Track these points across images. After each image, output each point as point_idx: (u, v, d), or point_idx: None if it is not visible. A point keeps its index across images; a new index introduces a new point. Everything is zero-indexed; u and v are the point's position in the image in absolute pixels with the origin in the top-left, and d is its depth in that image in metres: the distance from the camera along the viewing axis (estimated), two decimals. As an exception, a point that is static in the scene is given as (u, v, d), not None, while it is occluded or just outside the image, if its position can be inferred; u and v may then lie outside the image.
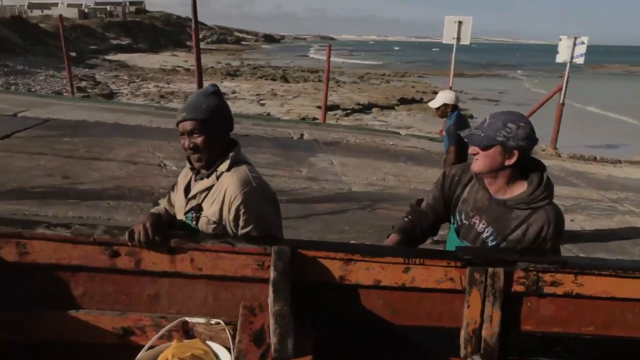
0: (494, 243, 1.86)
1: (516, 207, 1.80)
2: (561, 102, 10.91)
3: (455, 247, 1.87)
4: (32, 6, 66.96)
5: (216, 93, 1.89)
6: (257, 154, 7.48)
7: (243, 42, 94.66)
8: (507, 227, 1.82)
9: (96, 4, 72.45)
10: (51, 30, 42.38)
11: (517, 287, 1.76)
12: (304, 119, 16.21)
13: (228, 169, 1.84)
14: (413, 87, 29.35)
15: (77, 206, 4.81)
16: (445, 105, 4.56)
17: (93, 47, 46.67)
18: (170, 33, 71.40)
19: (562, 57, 10.65)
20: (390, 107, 21.50)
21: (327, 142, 8.96)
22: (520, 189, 1.82)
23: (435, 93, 23.34)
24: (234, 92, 22.15)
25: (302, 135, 9.30)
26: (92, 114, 9.35)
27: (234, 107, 17.85)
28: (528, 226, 1.79)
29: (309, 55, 65.28)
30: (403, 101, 22.61)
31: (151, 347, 1.65)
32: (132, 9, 76.03)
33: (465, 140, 1.86)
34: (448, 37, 10.50)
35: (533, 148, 1.81)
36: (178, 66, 37.16)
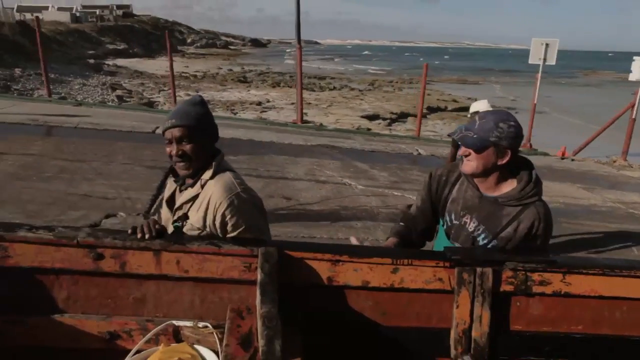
0: (485, 241, 1.87)
1: (507, 204, 1.83)
2: (633, 117, 11.83)
3: (444, 248, 1.87)
4: (21, 9, 65.18)
5: (202, 103, 1.93)
6: (408, 172, 8.02)
7: (231, 47, 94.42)
8: (498, 225, 1.84)
9: (83, 7, 71.05)
10: (49, 34, 41.58)
11: (506, 287, 1.77)
12: (358, 128, 16.78)
13: (212, 177, 1.87)
14: (429, 94, 30.17)
15: (319, 228, 5.16)
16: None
17: (91, 52, 46.00)
18: (160, 37, 70.59)
19: (635, 75, 11.59)
20: (423, 116, 22.20)
21: (443, 157, 9.54)
22: (510, 186, 1.84)
23: (455, 101, 23.59)
24: (268, 101, 22.48)
25: (418, 151, 9.86)
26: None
27: (281, 117, 18.22)
28: (519, 223, 1.81)
29: (284, 61, 65.09)
30: (431, 110, 23.42)
31: (138, 352, 1.63)
32: (119, 12, 74.95)
33: (458, 142, 1.87)
34: (534, 58, 11.27)
35: (520, 145, 1.85)
36: (183, 72, 37.09)
